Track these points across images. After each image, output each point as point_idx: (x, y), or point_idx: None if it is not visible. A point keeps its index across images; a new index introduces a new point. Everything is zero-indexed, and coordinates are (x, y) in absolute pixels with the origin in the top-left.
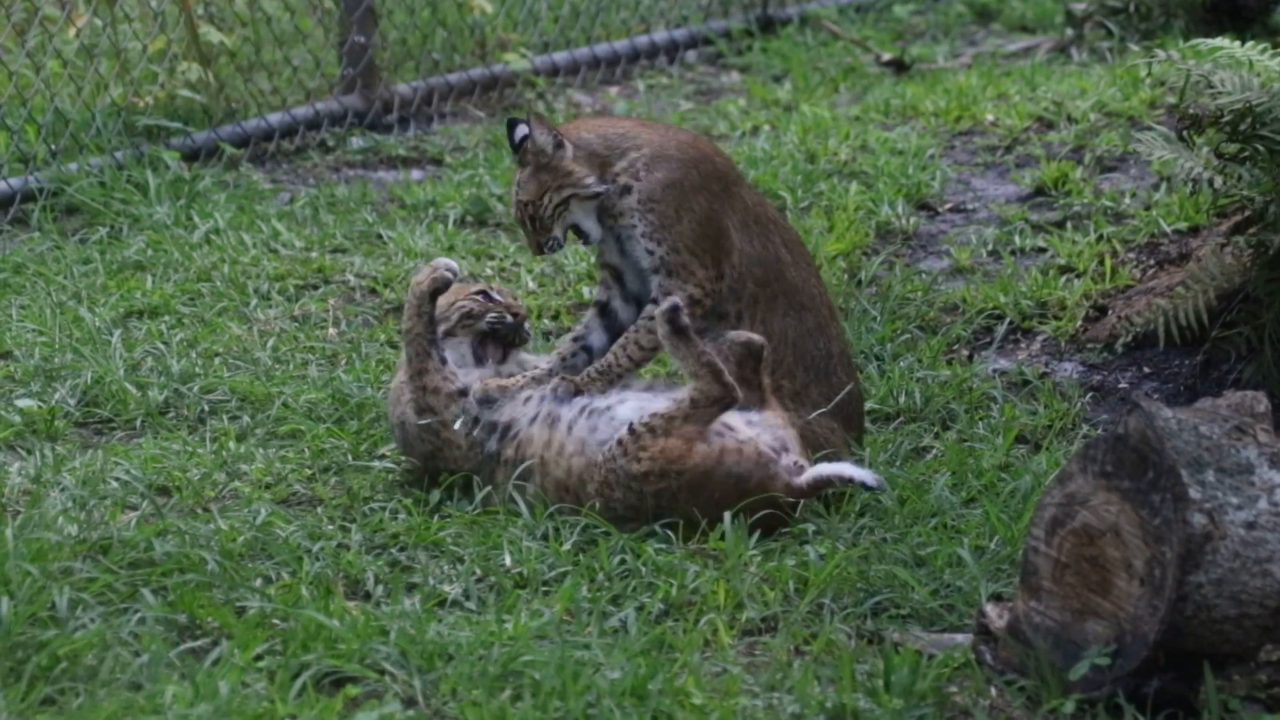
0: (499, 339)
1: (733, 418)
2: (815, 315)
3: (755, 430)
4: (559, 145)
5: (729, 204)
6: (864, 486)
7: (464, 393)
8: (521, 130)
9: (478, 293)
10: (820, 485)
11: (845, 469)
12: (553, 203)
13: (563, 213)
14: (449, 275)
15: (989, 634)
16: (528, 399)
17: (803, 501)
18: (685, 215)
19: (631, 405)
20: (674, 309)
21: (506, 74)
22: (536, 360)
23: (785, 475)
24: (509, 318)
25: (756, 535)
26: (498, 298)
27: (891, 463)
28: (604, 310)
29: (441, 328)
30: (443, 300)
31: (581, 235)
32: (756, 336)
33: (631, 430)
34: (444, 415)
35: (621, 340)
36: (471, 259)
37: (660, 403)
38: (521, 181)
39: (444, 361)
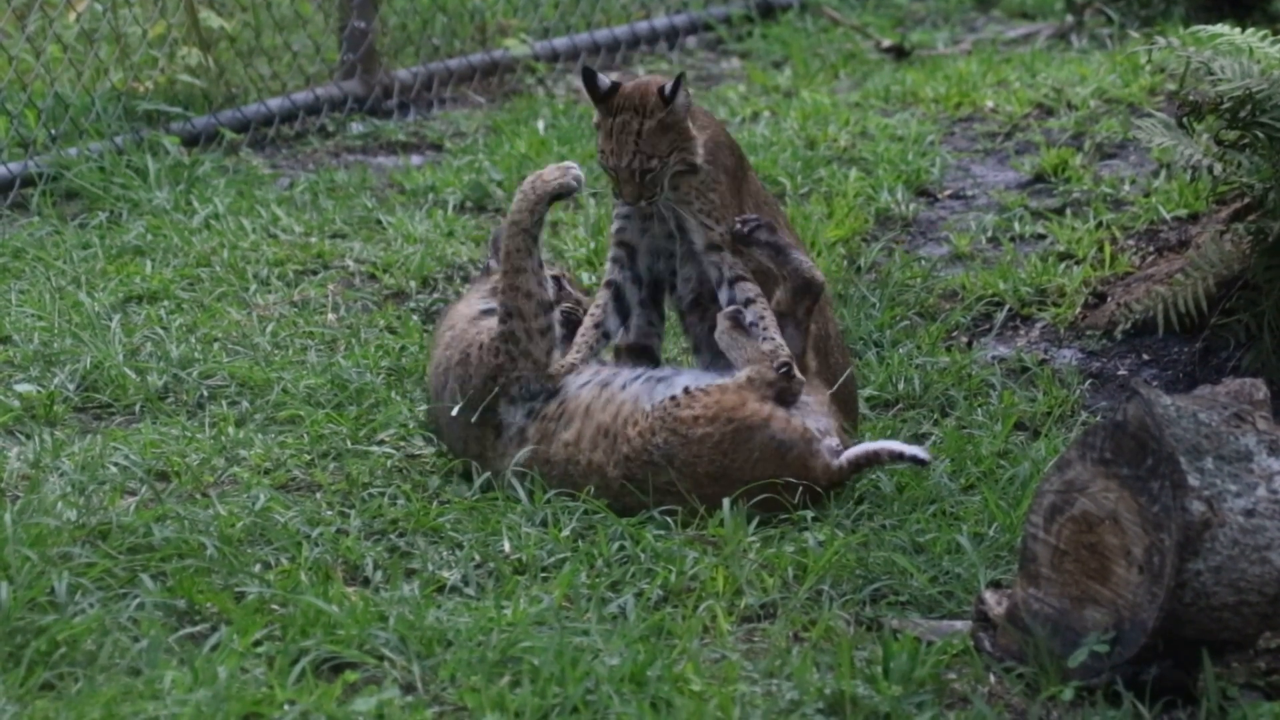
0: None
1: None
2: None
3: (801, 413)
4: (689, 110)
5: (748, 183)
6: (915, 461)
7: (552, 306)
8: (606, 80)
9: (554, 277)
10: (861, 464)
11: (891, 445)
12: (674, 164)
13: (666, 172)
14: (574, 185)
15: (988, 621)
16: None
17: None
18: (734, 198)
19: (689, 376)
20: (736, 313)
21: (507, 59)
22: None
23: (826, 456)
24: (578, 313)
25: (755, 522)
26: (570, 289)
27: None
28: (617, 293)
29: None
30: None
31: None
32: (820, 275)
33: (687, 390)
34: (530, 323)
35: (762, 308)
36: (471, 245)
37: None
38: (648, 133)
39: (542, 265)
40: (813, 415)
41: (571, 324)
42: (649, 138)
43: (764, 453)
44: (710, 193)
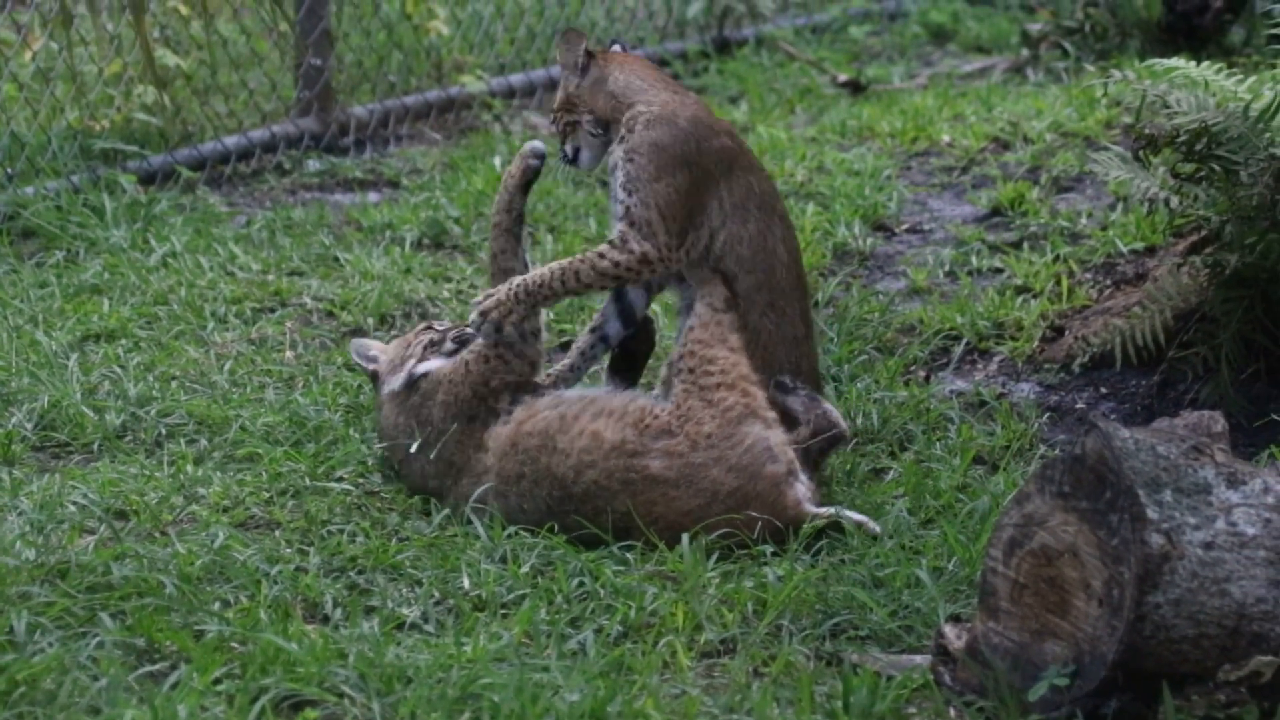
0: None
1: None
2: (793, 328)
3: (798, 457)
4: (581, 70)
5: (727, 183)
6: (867, 530)
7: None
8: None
9: (423, 329)
10: (824, 524)
11: (858, 516)
12: (562, 120)
13: (570, 134)
14: (537, 164)
15: (947, 655)
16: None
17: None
18: (664, 178)
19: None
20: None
21: (463, 96)
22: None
23: (800, 494)
24: (467, 330)
25: (714, 556)
26: (442, 325)
27: (849, 484)
28: (619, 297)
29: (409, 364)
30: (394, 349)
31: (574, 158)
32: (845, 426)
33: (687, 349)
34: (523, 326)
35: (562, 264)
36: (429, 282)
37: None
38: (560, 89)
39: (527, 265)
40: (806, 471)
41: (463, 347)
42: (558, 93)
43: (752, 447)
44: (629, 164)
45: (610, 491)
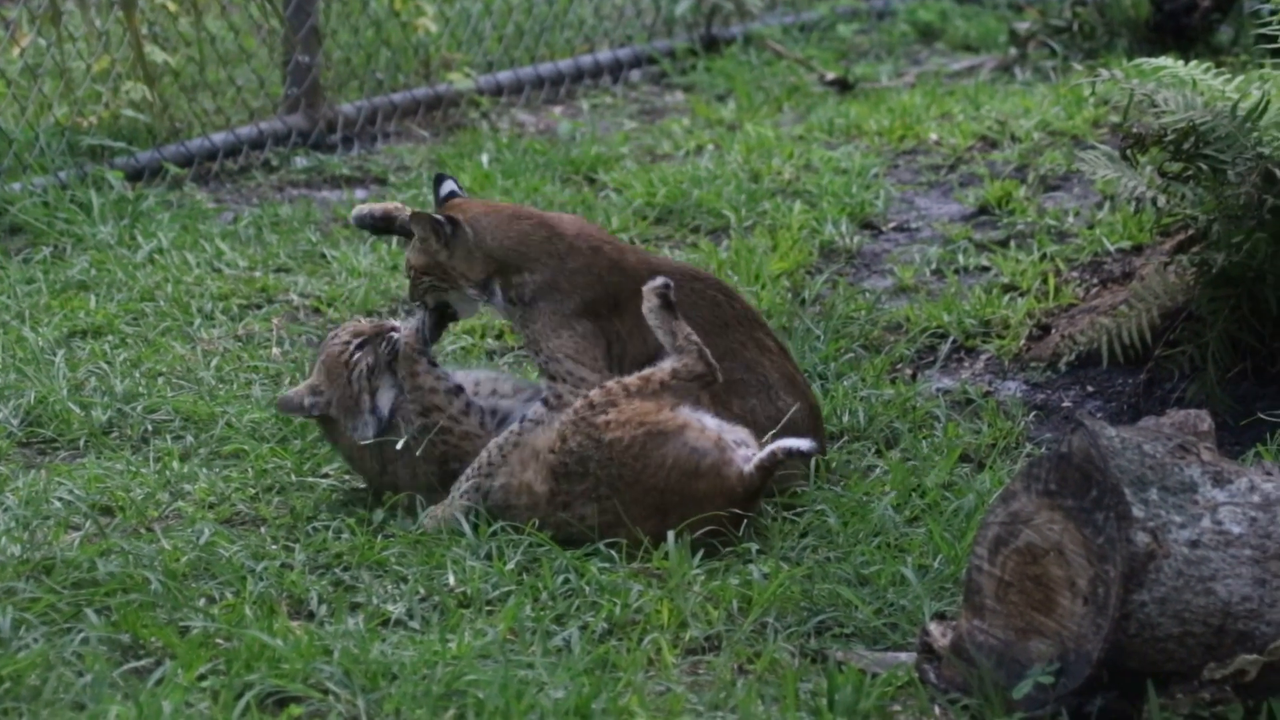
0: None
1: (704, 415)
2: (755, 376)
3: (721, 427)
4: (445, 244)
5: (628, 305)
6: (801, 453)
7: (460, 388)
8: (448, 185)
9: (339, 349)
10: (767, 467)
11: (787, 442)
12: (426, 286)
13: (438, 295)
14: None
15: (932, 653)
16: (529, 399)
17: (746, 510)
18: (565, 332)
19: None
20: (665, 285)
21: (451, 93)
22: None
23: (740, 464)
24: (383, 344)
25: (700, 554)
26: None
27: (836, 482)
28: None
29: (365, 401)
30: (320, 378)
31: (451, 312)
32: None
33: (606, 388)
34: (450, 409)
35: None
36: None
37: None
38: (414, 246)
39: (434, 363)
40: (732, 431)
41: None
42: (414, 252)
43: (678, 459)
44: (534, 323)
45: (570, 536)
